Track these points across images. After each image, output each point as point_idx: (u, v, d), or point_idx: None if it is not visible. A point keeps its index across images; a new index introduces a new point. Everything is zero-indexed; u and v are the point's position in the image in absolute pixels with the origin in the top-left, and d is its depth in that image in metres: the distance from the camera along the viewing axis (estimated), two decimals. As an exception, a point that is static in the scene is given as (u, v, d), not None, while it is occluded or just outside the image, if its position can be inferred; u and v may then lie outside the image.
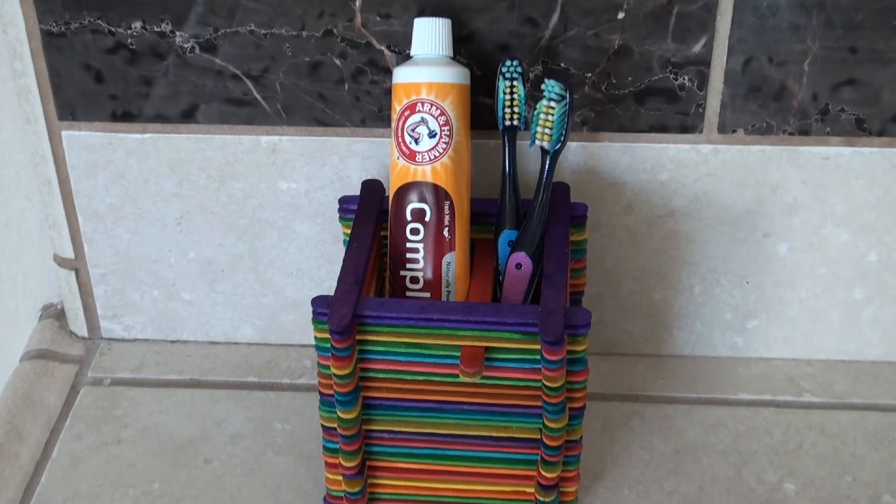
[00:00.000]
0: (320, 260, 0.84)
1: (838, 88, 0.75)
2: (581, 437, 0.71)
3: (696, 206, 0.80)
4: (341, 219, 0.76)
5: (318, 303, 0.67)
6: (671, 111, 0.76)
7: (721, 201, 0.79)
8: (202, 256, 0.84)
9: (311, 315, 0.84)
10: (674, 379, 0.85)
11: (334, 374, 0.67)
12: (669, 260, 0.82)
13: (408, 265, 0.72)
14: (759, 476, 0.77)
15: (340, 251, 0.82)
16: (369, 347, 0.68)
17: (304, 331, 0.87)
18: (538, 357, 0.67)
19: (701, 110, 0.76)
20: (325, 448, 0.73)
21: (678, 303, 0.84)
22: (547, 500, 0.72)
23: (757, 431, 0.80)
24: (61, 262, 0.86)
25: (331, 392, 0.69)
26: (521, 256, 0.71)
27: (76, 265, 0.86)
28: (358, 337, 0.67)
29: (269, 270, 0.85)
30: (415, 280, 0.72)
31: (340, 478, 0.73)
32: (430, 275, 0.71)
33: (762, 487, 0.76)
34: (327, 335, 0.67)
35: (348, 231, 0.75)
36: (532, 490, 0.72)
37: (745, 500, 0.75)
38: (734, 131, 0.77)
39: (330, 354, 0.67)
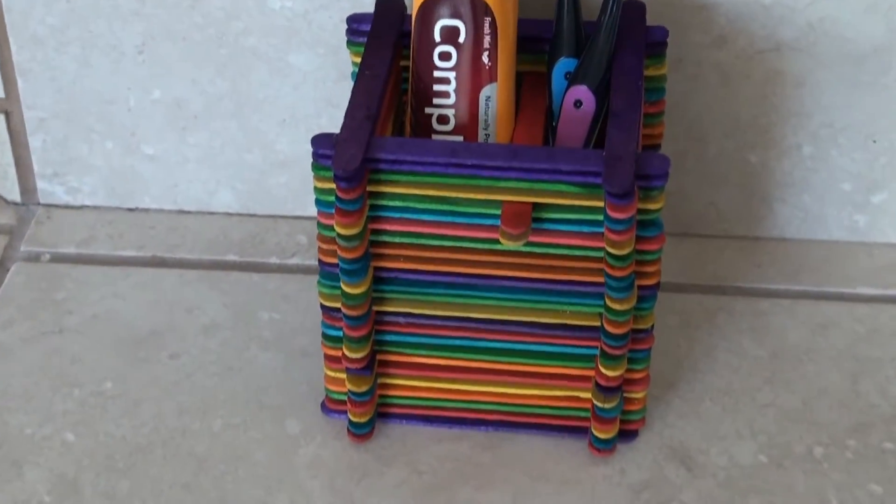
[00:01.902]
0: (321, 103, 0.84)
1: None
2: (652, 327, 0.72)
3: (808, 39, 0.80)
4: (349, 44, 0.76)
5: (321, 142, 0.67)
6: None
7: (842, 32, 0.79)
8: (170, 97, 0.85)
9: (307, 176, 0.84)
10: (773, 266, 0.85)
11: (339, 236, 0.68)
12: (771, 110, 0.82)
13: (435, 100, 0.72)
14: (882, 388, 0.78)
15: (347, 92, 0.81)
16: (384, 202, 0.68)
17: (298, 197, 0.88)
18: (600, 217, 0.67)
19: None
20: (324, 337, 0.73)
21: (781, 168, 0.84)
22: (607, 406, 0.72)
23: (880, 333, 0.81)
24: (-11, 102, 0.87)
25: (334, 260, 0.70)
26: (581, 91, 0.71)
27: (6, 107, 0.86)
28: (369, 188, 0.68)
29: (255, 117, 0.85)
30: (443, 119, 0.72)
31: (343, 375, 0.74)
32: (463, 113, 0.72)
33: (886, 402, 0.77)
34: (331, 184, 0.67)
35: (358, 60, 0.75)
36: (588, 395, 0.73)
37: (863, 416, 0.76)
38: (863, -64, 0.77)
39: (334, 210, 0.68)
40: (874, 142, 0.83)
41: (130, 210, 0.89)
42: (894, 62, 0.80)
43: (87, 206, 0.90)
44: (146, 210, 0.89)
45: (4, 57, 0.84)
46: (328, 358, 0.74)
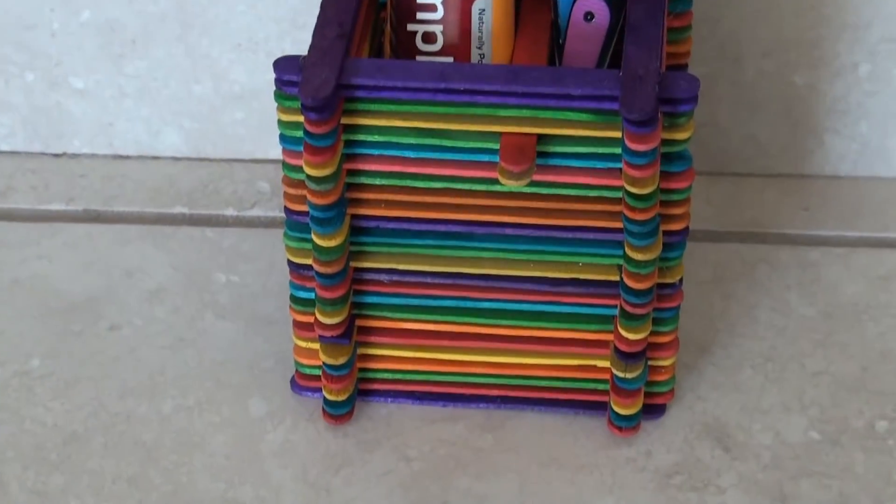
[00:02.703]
0: (284, 23, 0.84)
1: None
2: (681, 282, 0.72)
3: (865, -66, 0.80)
4: (316, -50, 0.76)
5: (285, 66, 0.68)
6: None
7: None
8: (101, 19, 0.85)
9: (269, 111, 0.85)
10: (823, 210, 0.86)
11: (308, 178, 0.68)
12: (820, 21, 0.82)
13: (419, 14, 0.72)
14: (954, 351, 0.79)
15: (314, 9, 0.81)
16: (361, 136, 0.69)
17: (258, 136, 0.88)
18: (618, 150, 0.67)
19: None
20: (293, 300, 0.74)
21: (833, 92, 0.85)
22: (629, 376, 0.73)
23: (953, 286, 0.82)
24: None
25: (304, 208, 0.70)
26: (592, 1, 0.71)
27: None
28: (344, 120, 0.68)
29: (204, 41, 0.85)
30: (430, 38, 0.72)
31: (316, 345, 0.74)
32: (453, 29, 0.72)
33: (959, 366, 0.78)
34: (298, 116, 0.68)
35: (327, -31, 0.76)
36: (606, 363, 0.74)
37: (932, 383, 0.77)
38: None
39: (302, 147, 0.68)
40: (944, 58, 0.84)
41: (57, 156, 0.90)
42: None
43: (4, 152, 0.90)
44: (76, 155, 0.90)
45: None
46: (298, 325, 0.74)
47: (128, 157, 0.90)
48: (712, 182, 0.87)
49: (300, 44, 0.84)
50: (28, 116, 0.88)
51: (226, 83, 0.86)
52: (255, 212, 0.87)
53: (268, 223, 0.86)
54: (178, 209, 0.87)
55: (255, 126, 0.88)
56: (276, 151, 0.71)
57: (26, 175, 0.89)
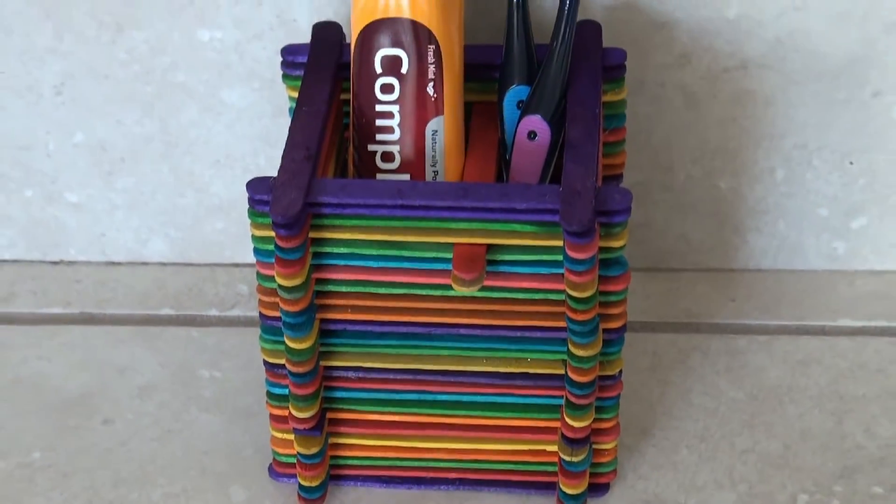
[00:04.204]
0: (258, 142, 0.84)
1: None
2: (620, 373, 0.72)
3: (778, 55, 0.80)
4: (286, 77, 0.76)
5: (257, 186, 0.67)
6: (741, -82, 0.77)
7: (814, 47, 0.80)
8: (94, 140, 0.85)
9: (246, 219, 0.85)
10: (748, 301, 0.85)
11: (280, 287, 0.68)
12: (741, 132, 0.82)
13: (378, 136, 0.72)
14: (868, 428, 0.78)
15: (284, 129, 0.81)
16: (328, 249, 0.68)
17: (237, 243, 0.88)
18: (559, 257, 0.67)
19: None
20: (269, 396, 0.73)
21: (754, 194, 0.84)
22: (575, 459, 0.72)
23: (866, 369, 0.81)
24: None
25: (276, 314, 0.70)
26: (534, 121, 0.71)
27: (-83, 156, 0.86)
28: (311, 234, 0.68)
29: (187, 159, 0.85)
30: (388, 157, 0.72)
31: (291, 436, 0.73)
32: (409, 149, 0.72)
33: (873, 443, 0.77)
34: (270, 232, 0.67)
35: (295, 95, 0.75)
36: (554, 448, 0.73)
37: (850, 459, 0.77)
38: (831, -55, 0.77)
39: (274, 259, 0.67)
40: (851, 163, 0.83)
41: (54, 263, 0.89)
42: (871, 76, 0.81)
43: (6, 261, 0.89)
44: (71, 263, 0.89)
45: (-89, 102, 0.84)
46: (274, 418, 0.74)
47: (119, 264, 0.89)
48: (649, 277, 0.86)
49: (272, 159, 0.84)
50: (27, 228, 0.88)
51: (207, 196, 0.86)
52: (236, 312, 0.86)
53: (247, 322, 0.85)
54: (166, 311, 0.86)
55: (234, 234, 0.87)
56: (252, 257, 0.70)
57: (26, 281, 0.88)
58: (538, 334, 0.70)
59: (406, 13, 0.70)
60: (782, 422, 0.79)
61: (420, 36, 0.70)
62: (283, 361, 0.71)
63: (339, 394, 0.73)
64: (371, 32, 0.71)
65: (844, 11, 0.79)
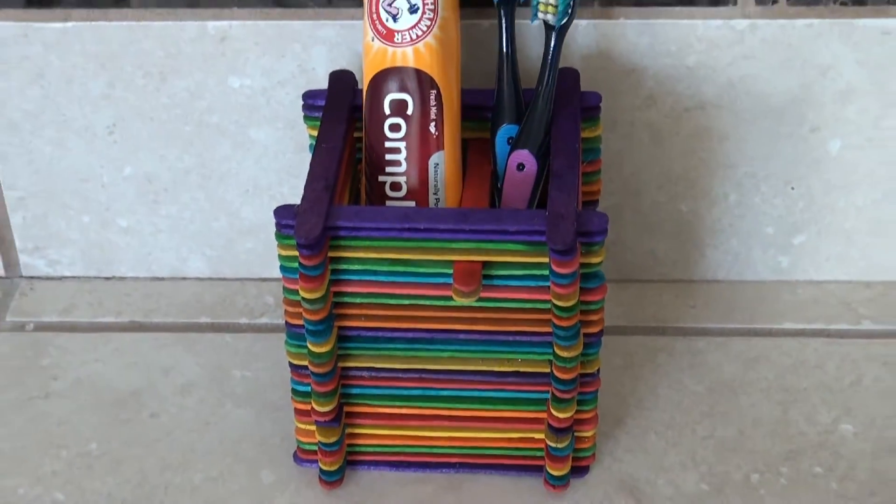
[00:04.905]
0: (282, 174, 0.84)
1: (898, -53, 0.76)
2: (598, 371, 0.72)
3: (730, 96, 0.80)
4: (306, 118, 0.76)
5: (283, 213, 0.67)
6: (699, -20, 0.77)
7: (760, 89, 0.80)
8: (140, 173, 0.85)
9: (272, 242, 0.85)
10: (706, 307, 0.85)
11: (303, 299, 0.68)
12: (699, 163, 0.83)
13: (387, 168, 0.72)
14: (809, 416, 0.78)
15: (305, 162, 0.82)
16: (344, 266, 0.68)
17: (264, 261, 0.87)
18: (546, 272, 0.67)
19: (734, -23, 0.77)
20: (294, 392, 0.73)
21: (710, 216, 0.84)
22: (559, 446, 0.72)
23: (806, 365, 0.81)
24: (-29, 184, 0.86)
25: (300, 322, 0.70)
26: (523, 155, 0.71)
27: (-12, 188, 0.86)
28: (330, 253, 0.68)
29: (221, 188, 0.85)
30: (396, 186, 0.72)
31: (313, 428, 0.73)
32: (414, 179, 0.72)
33: (814, 429, 0.77)
34: (294, 252, 0.67)
35: (315, 133, 0.75)
36: (542, 436, 0.73)
37: (795, 443, 0.76)
38: (775, 2, 0.77)
39: (298, 275, 0.68)
40: (792, 188, 0.84)
41: (108, 279, 0.89)
42: (808, 114, 0.81)
43: (67, 277, 0.89)
44: (122, 278, 0.89)
45: (-16, 142, 0.84)
46: (298, 412, 0.74)
47: (162, 279, 0.89)
48: (621, 288, 0.86)
49: (294, 188, 0.84)
50: (85, 249, 0.88)
51: (238, 220, 0.86)
52: (264, 320, 0.86)
53: (274, 329, 0.85)
54: (203, 319, 0.86)
55: (262, 253, 0.87)
56: (277, 272, 0.71)
57: (84, 295, 0.88)
58: (527, 338, 0.70)
59: (411, 63, 0.70)
60: (736, 411, 0.79)
61: (423, 82, 0.70)
62: (305, 363, 0.71)
63: (354, 390, 0.73)
64: (380, 79, 0.71)
65: (786, 60, 0.79)
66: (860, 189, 0.83)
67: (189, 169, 0.84)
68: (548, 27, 0.70)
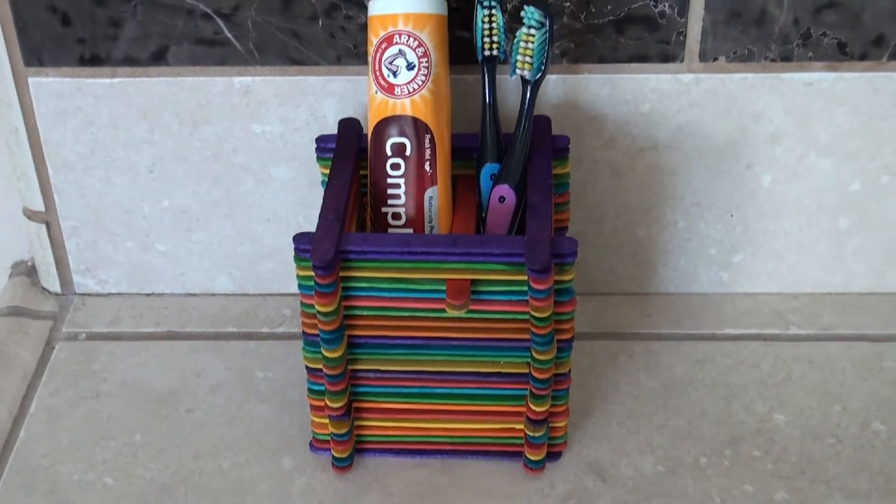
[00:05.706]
0: (298, 205, 0.84)
1: (820, 12, 0.76)
2: (570, 371, 0.72)
3: (678, 138, 0.81)
4: (319, 158, 0.76)
5: (301, 239, 0.68)
6: (652, 40, 0.77)
7: (704, 132, 0.80)
8: (176, 205, 0.85)
9: (289, 263, 0.85)
10: (660, 316, 0.86)
11: (318, 312, 0.68)
12: (653, 195, 0.83)
13: (389, 201, 0.72)
14: (748, 408, 0.78)
15: (318, 196, 0.82)
16: (353, 284, 0.68)
17: (282, 279, 0.88)
18: (525, 288, 0.67)
19: (682, 38, 0.77)
20: (309, 391, 0.73)
21: (662, 239, 0.85)
22: (536, 434, 0.72)
23: (744, 365, 0.82)
24: (31, 215, 0.86)
25: (315, 332, 0.70)
26: (504, 189, 0.72)
27: (47, 218, 0.86)
28: (341, 273, 0.68)
29: (245, 217, 0.85)
30: (397, 216, 0.72)
31: (326, 421, 0.73)
32: (412, 210, 0.72)
33: (752, 419, 0.78)
34: (310, 272, 0.68)
35: (326, 171, 0.76)
36: (521, 426, 0.73)
37: (735, 431, 0.77)
38: (716, 59, 0.78)
39: (313, 292, 0.68)
40: (731, 216, 0.84)
41: (148, 295, 0.89)
42: (744, 153, 0.81)
43: (114, 294, 0.89)
44: (160, 295, 0.89)
45: (43, 179, 0.84)
46: (313, 408, 0.74)
47: (195, 295, 0.89)
48: (586, 300, 0.87)
49: (309, 218, 0.84)
50: (128, 270, 0.88)
51: (260, 245, 0.86)
52: (283, 329, 0.86)
53: (291, 336, 0.85)
54: (230, 329, 0.86)
55: (280, 272, 0.87)
56: (294, 289, 0.71)
57: (128, 309, 0.88)
58: (509, 344, 0.70)
59: (409, 112, 0.71)
60: (687, 404, 0.79)
61: (419, 128, 0.71)
62: (320, 366, 0.71)
63: (362, 389, 0.73)
64: (383, 126, 0.71)
65: (725, 108, 0.80)
66: (787, 216, 0.84)
67: (218, 201, 0.84)
68: (524, 81, 0.71)
